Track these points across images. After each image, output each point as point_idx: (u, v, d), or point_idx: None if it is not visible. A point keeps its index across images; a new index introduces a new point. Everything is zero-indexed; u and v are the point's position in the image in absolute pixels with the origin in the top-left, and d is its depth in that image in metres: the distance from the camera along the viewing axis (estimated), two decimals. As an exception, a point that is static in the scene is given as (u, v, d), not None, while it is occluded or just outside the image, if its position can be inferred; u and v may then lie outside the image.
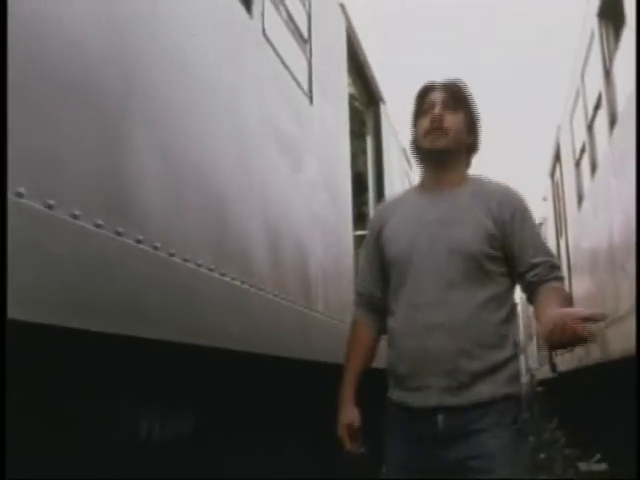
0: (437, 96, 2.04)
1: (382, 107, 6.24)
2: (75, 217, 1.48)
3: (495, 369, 1.89)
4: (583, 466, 7.49)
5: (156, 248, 1.81)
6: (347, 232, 4.56)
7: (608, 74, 4.50)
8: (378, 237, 2.11)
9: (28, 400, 1.54)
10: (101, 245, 1.57)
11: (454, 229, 1.95)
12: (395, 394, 2.00)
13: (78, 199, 1.49)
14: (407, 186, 7.55)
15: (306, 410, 3.49)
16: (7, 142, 1.17)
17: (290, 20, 3.51)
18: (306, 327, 3.10)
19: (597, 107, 5.01)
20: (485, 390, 1.88)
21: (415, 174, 8.04)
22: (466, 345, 1.88)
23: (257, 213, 2.62)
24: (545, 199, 9.88)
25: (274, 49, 3.06)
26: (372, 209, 6.28)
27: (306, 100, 3.56)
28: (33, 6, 1.42)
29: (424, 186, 2.11)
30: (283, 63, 3.19)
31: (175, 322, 1.89)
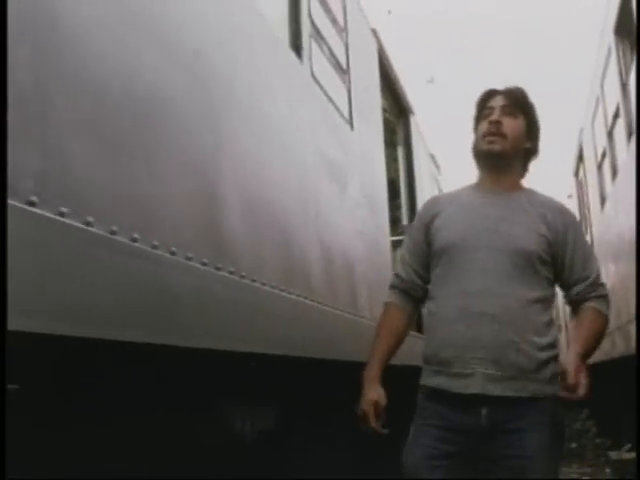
0: (497, 101, 2.09)
1: (411, 118, 6.61)
2: (189, 259, 1.88)
3: (539, 367, 1.94)
4: (614, 455, 7.75)
5: (242, 277, 2.21)
6: (385, 240, 4.94)
7: (625, 87, 4.82)
8: (429, 226, 2.13)
9: (152, 404, 1.95)
10: (204, 278, 1.97)
11: (511, 227, 2.00)
12: (434, 380, 2.01)
13: (191, 245, 1.89)
14: (436, 190, 7.94)
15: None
16: (7, 143, 1.18)
17: (332, 55, 3.89)
18: (356, 332, 3.49)
19: (616, 116, 5.34)
20: (529, 387, 1.93)
21: (443, 178, 8.38)
22: (515, 338, 1.92)
23: (313, 237, 3.02)
24: (570, 196, 10.19)
25: (320, 87, 3.45)
26: (404, 213, 6.64)
27: (347, 127, 3.94)
28: (142, 74, 1.82)
29: (480, 186, 2.15)
30: (328, 97, 3.58)
31: (256, 336, 2.28)
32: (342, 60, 4.09)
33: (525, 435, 1.90)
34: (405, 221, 6.49)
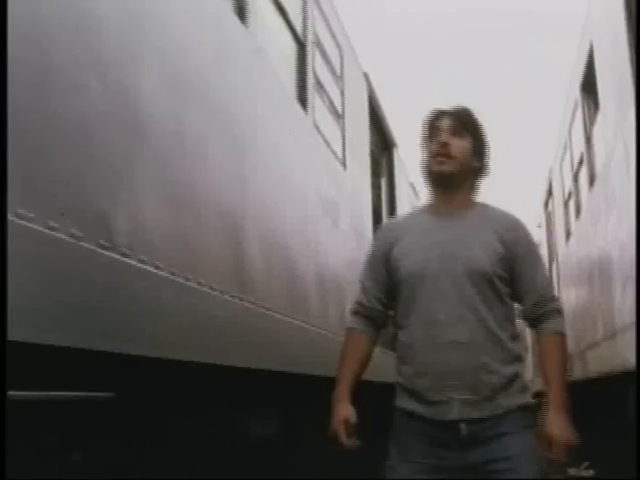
0: (444, 122, 2.11)
1: (395, 151, 7.11)
2: (223, 293, 2.32)
3: (509, 382, 2.00)
4: (573, 471, 8.21)
5: (258, 305, 2.65)
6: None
7: (589, 139, 5.35)
8: (388, 254, 2.15)
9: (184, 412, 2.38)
10: (226, 306, 2.41)
11: (467, 250, 2.03)
12: (412, 405, 2.05)
13: (223, 281, 2.34)
14: (414, 216, 8.43)
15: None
16: (7, 157, 1.23)
17: (330, 103, 4.36)
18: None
19: (580, 163, 5.87)
20: (503, 403, 1.98)
21: (420, 204, 8.89)
22: (485, 360, 1.97)
23: (312, 268, 3.48)
24: (540, 226, 10.75)
25: (321, 134, 3.91)
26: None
27: (341, 167, 4.41)
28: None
29: (433, 208, 2.17)
30: (326, 142, 4.05)
31: (269, 354, 2.73)
32: (338, 106, 4.57)
33: (506, 437, 1.96)
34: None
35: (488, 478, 1.96)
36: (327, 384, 3.45)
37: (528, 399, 2.04)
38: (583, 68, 5.27)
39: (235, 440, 2.60)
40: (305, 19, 3.84)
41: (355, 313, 2.23)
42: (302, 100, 3.69)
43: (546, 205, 9.95)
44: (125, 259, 1.75)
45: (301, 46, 3.80)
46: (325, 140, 4.02)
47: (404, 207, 7.54)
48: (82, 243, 1.60)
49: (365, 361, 2.19)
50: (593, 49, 4.86)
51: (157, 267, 1.92)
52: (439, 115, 2.14)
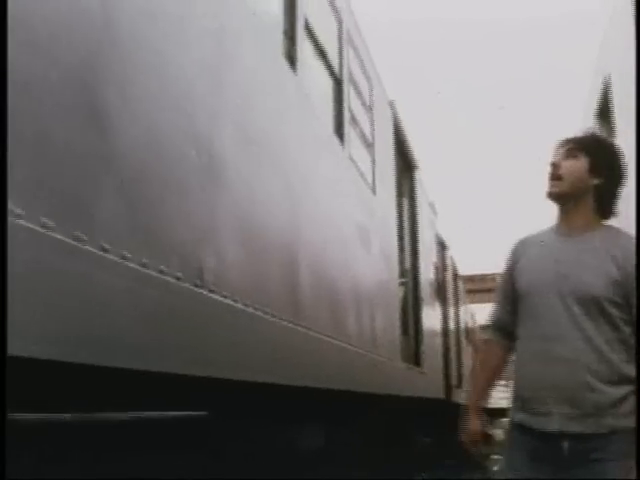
0: (559, 148, 2.18)
1: (415, 172, 7.40)
2: (273, 316, 2.60)
3: (616, 403, 2.01)
4: None
5: (310, 329, 2.93)
6: (395, 285, 5.68)
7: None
8: (513, 270, 2.25)
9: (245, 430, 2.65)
10: (286, 334, 2.69)
11: (580, 272, 2.07)
12: (518, 416, 2.16)
13: (275, 306, 2.62)
14: (433, 234, 8.75)
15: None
16: (7, 157, 1.26)
17: (362, 133, 4.65)
18: (375, 369, 4.22)
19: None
20: (608, 422, 2.00)
21: (439, 222, 9.15)
22: (588, 379, 2.01)
23: (350, 292, 3.76)
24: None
25: (355, 165, 4.20)
26: (407, 255, 7.39)
27: (371, 193, 4.69)
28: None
29: (557, 228, 2.22)
30: (360, 172, 4.33)
31: (320, 375, 3.01)
32: (368, 135, 4.85)
33: (608, 464, 1.98)
34: (407, 263, 7.21)
35: None
36: (365, 399, 3.73)
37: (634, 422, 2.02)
38: (598, 96, 5.52)
39: (282, 455, 2.88)
40: (341, 58, 4.14)
41: (490, 325, 2.40)
42: (339, 135, 3.98)
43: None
44: (212, 295, 2.04)
45: (338, 84, 4.10)
46: (359, 170, 4.31)
47: (424, 225, 7.81)
48: (184, 284, 1.89)
49: (498, 369, 2.36)
50: (610, 79, 5.11)
51: (235, 300, 2.20)
52: (559, 143, 2.22)
